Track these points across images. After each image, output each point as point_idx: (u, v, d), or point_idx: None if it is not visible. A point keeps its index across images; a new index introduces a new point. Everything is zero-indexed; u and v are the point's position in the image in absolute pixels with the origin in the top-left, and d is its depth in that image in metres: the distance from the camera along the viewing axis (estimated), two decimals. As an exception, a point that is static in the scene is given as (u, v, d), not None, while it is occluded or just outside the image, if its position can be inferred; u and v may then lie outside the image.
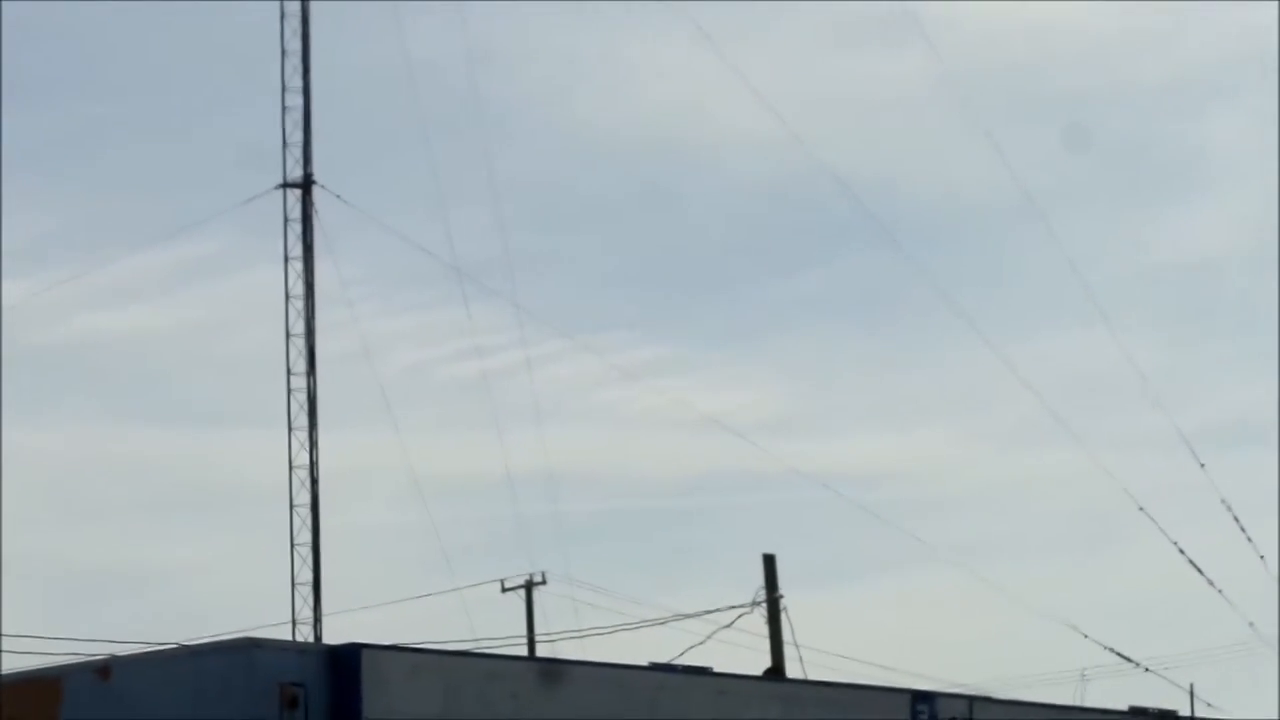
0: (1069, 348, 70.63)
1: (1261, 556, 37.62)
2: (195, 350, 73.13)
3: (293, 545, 31.37)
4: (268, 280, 34.22)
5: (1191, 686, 39.40)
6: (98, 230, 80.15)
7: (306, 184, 31.54)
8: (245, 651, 20.40)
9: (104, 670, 21.63)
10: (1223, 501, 35.63)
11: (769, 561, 45.24)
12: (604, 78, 79.78)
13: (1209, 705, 31.08)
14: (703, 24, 38.92)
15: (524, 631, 48.49)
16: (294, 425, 31.85)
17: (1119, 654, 37.81)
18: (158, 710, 20.41)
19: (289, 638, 25.77)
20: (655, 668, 24.17)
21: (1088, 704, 27.19)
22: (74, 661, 22.16)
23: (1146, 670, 39.45)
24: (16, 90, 76.98)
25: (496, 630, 47.84)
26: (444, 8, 52.17)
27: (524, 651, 43.34)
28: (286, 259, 31.50)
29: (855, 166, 75.00)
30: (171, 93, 78.73)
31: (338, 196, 32.17)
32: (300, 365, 32.19)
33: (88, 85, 78.33)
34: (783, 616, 44.99)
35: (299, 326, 32.24)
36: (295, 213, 32.30)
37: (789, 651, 44.33)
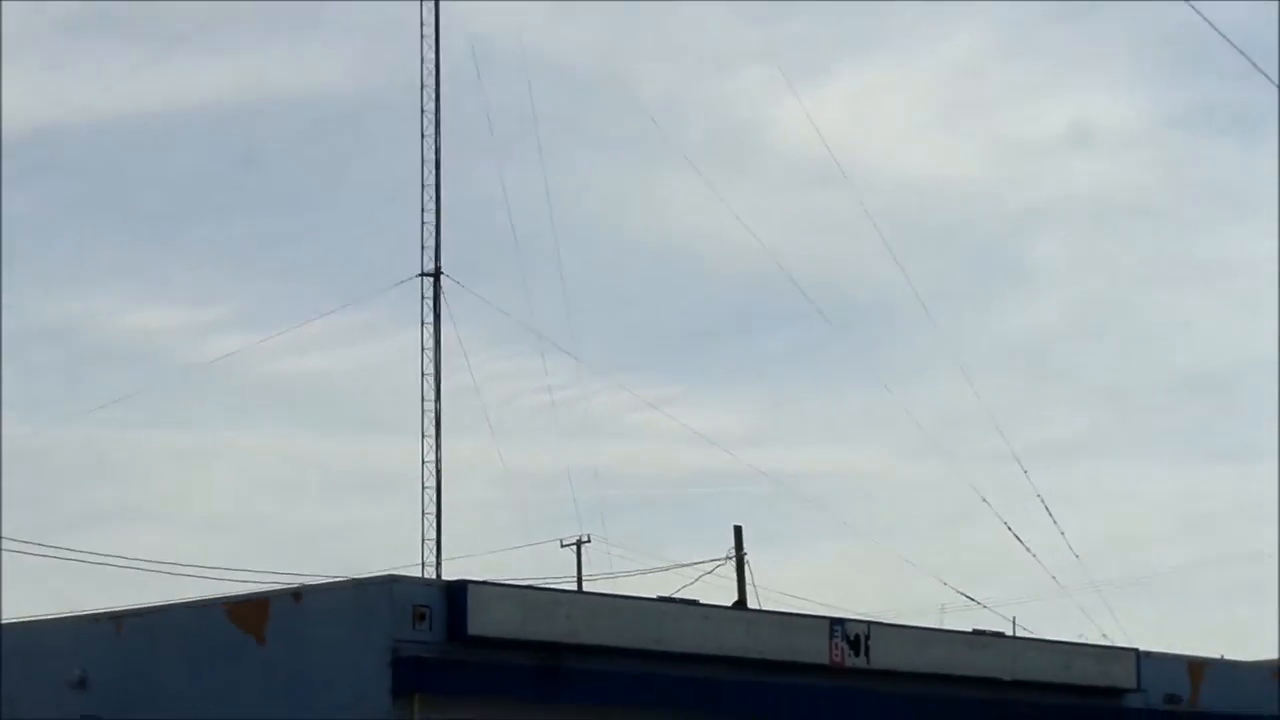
0: (941, 392, 73.42)
1: (1063, 533, 39.85)
2: (361, 385, 75.95)
3: (423, 514, 32.39)
4: (411, 338, 34.35)
5: (1014, 618, 41.21)
6: (294, 300, 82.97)
7: (436, 274, 32.43)
8: (390, 584, 21.58)
9: (297, 595, 22.82)
10: (1039, 497, 37.58)
11: (738, 531, 47.43)
12: (641, 204, 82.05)
13: (1025, 629, 32.10)
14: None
15: (575, 574, 49.88)
16: (426, 434, 32.87)
17: (967, 595, 39.97)
18: (333, 622, 21.47)
19: (419, 575, 26.09)
20: (661, 599, 25.25)
21: (946, 626, 28.23)
22: (277, 589, 23.56)
23: (984, 606, 41.72)
24: (246, 199, 79.12)
25: (558, 573, 50.29)
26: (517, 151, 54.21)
27: (574, 587, 44.94)
28: (422, 324, 32.52)
29: (809, 269, 77.90)
30: (347, 202, 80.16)
31: (458, 283, 33.44)
32: (431, 394, 33.16)
33: (289, 196, 79.93)
34: (746, 568, 47.43)
35: (430, 369, 33.26)
36: (430, 291, 33.11)
37: (750, 591, 46.93)
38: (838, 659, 24.61)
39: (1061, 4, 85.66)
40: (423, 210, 31.98)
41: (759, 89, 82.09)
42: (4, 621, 25.93)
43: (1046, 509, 36.29)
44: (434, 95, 31.14)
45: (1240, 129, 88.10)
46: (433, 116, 31.83)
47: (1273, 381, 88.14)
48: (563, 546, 51.76)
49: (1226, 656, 32.28)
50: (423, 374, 32.24)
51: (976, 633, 27.60)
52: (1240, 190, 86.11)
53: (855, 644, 24.75)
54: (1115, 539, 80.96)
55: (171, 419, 78.80)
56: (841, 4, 79.33)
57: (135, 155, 77.62)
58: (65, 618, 24.77)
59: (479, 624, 21.41)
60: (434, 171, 32.35)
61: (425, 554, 31.81)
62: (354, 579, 22.34)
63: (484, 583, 22.20)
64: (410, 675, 20.66)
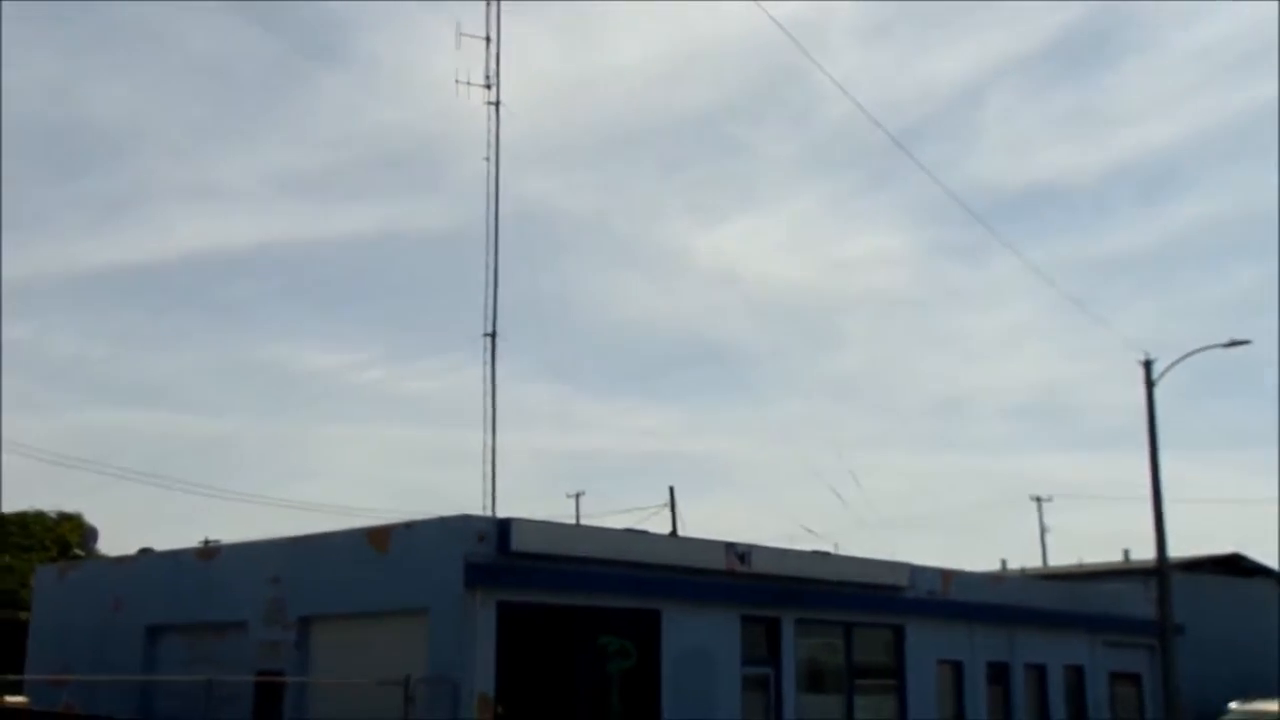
0: (790, 408, 74.89)
1: (864, 491, 41.34)
2: (450, 401, 78.52)
3: (484, 478, 29.90)
4: (477, 373, 35.54)
5: (836, 544, 42.33)
6: (415, 348, 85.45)
7: (493, 335, 30.55)
8: (464, 519, 21.44)
9: (409, 525, 22.40)
10: (850, 472, 39.03)
11: (671, 490, 48.92)
12: (611, 295, 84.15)
13: (843, 549, 32.03)
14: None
15: (575, 515, 52.46)
16: (487, 429, 30.41)
17: (809, 529, 41.52)
18: (428, 544, 21.35)
19: (482, 514, 23.68)
20: (626, 530, 25.24)
21: (798, 547, 27.42)
22: (397, 521, 22.80)
23: (819, 535, 43.37)
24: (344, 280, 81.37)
25: (565, 514, 51.85)
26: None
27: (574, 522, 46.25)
28: (484, 364, 30.61)
29: (713, 335, 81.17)
30: (451, 291, 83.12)
31: (506, 340, 31.23)
32: (490, 408, 30.62)
33: (417, 290, 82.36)
34: (677, 511, 48.88)
35: (489, 390, 30.57)
36: (489, 345, 30.46)
37: (680, 525, 48.23)
38: (731, 566, 24.72)
39: (865, 179, 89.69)
40: (486, 295, 30.81)
41: (683, 226, 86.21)
42: (236, 542, 25.84)
43: (853, 477, 38.19)
44: (494, 233, 31.34)
45: (965, 257, 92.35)
46: (493, 243, 30.28)
47: (993, 404, 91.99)
48: (567, 497, 55.03)
49: (963, 568, 32.62)
50: (485, 394, 30.92)
51: (814, 552, 27.75)
52: (968, 293, 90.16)
53: (742, 557, 24.90)
54: (895, 496, 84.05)
55: (339, 418, 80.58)
56: (734, 176, 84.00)
57: (314, 266, 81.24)
58: (267, 540, 24.67)
59: (518, 544, 21.51)
60: (494, 273, 31.00)
61: (485, 501, 30.16)
62: (441, 516, 21.94)
63: (521, 519, 22.07)
64: (475, 575, 20.72)
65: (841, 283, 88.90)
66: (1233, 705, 33.87)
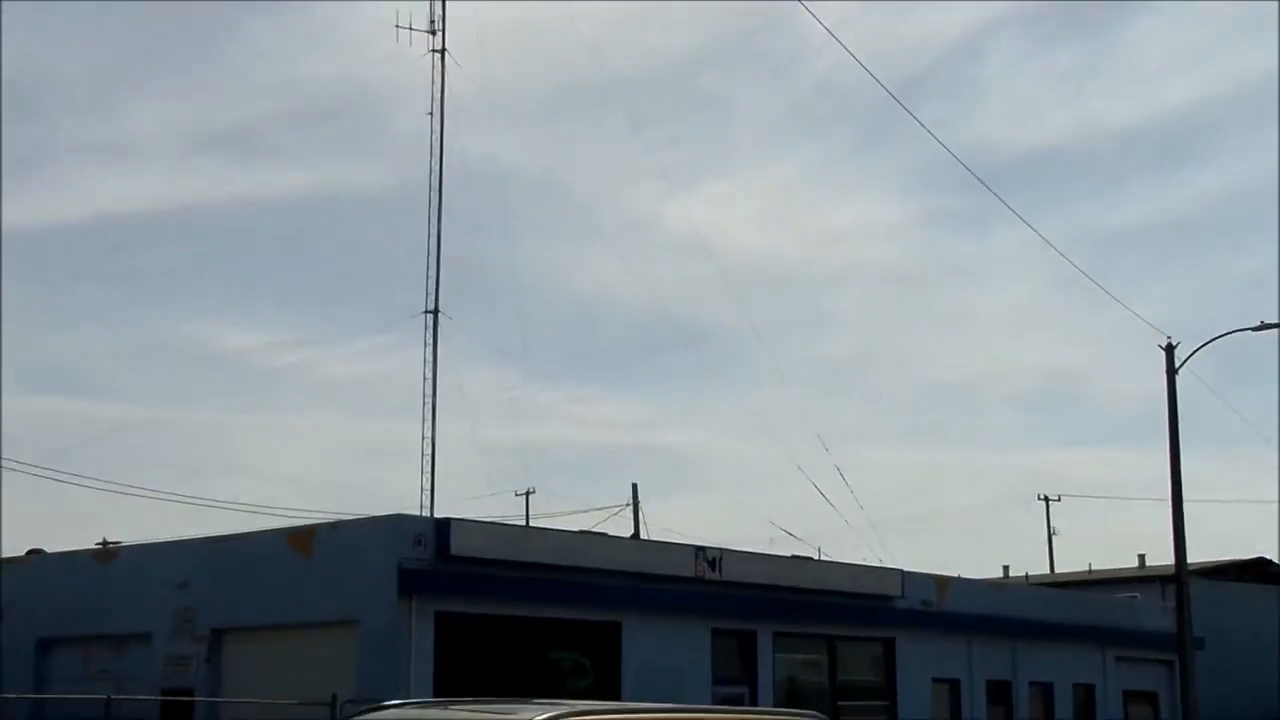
0: (769, 395, 75.51)
1: (851, 491, 41.25)
2: (384, 386, 78.01)
3: (422, 472, 32.29)
4: (417, 355, 34.10)
5: (819, 548, 42.34)
6: (340, 326, 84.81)
7: (435, 311, 32.13)
8: (399, 520, 21.64)
9: (334, 526, 22.92)
10: (836, 467, 38.95)
11: (634, 487, 49.06)
12: (574, 268, 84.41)
13: (826, 554, 32.30)
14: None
15: (524, 515, 52.29)
16: (425, 419, 32.62)
17: (788, 531, 41.19)
18: (358, 546, 21.40)
19: (418, 514, 25.34)
20: (582, 532, 25.69)
21: (774, 552, 27.94)
22: (323, 521, 23.56)
23: (799, 539, 43.27)
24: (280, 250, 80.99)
25: (513, 514, 51.55)
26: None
27: (524, 523, 45.75)
28: (425, 344, 32.08)
29: (684, 312, 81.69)
30: (382, 262, 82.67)
31: (449, 317, 33.17)
32: (429, 392, 33.03)
33: (344, 259, 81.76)
34: (640, 512, 48.89)
35: (429, 375, 33.09)
36: (430, 323, 32.99)
37: (643, 528, 48.26)
38: (700, 573, 24.73)
39: (854, 141, 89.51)
40: (427, 267, 31.70)
41: (652, 193, 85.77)
42: (140, 543, 25.78)
43: (840, 474, 37.64)
44: (438, 192, 31.26)
45: (966, 227, 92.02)
46: (436, 209, 31.73)
47: (984, 392, 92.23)
48: (516, 496, 54.01)
49: (961, 575, 32.90)
50: (424, 378, 31.79)
51: (794, 557, 27.80)
52: (970, 269, 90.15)
53: (712, 563, 24.93)
54: (884, 496, 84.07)
55: (259, 405, 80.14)
56: (707, 136, 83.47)
57: (235, 232, 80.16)
58: (175, 541, 24.67)
59: (458, 547, 21.47)
60: (436, 242, 32.05)
61: (423, 500, 31.76)
62: (374, 516, 22.09)
63: (462, 519, 22.16)
64: (410, 582, 20.71)
65: (829, 256, 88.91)
66: None
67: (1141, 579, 40.89)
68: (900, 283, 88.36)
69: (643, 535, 42.43)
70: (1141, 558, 47.12)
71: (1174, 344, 31.37)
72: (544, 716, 7.45)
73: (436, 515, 22.31)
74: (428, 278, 31.89)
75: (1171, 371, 31.64)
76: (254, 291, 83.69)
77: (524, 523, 46.51)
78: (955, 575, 31.11)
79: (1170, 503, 31.35)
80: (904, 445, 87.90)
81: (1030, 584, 43.87)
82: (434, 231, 32.14)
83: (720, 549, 25.02)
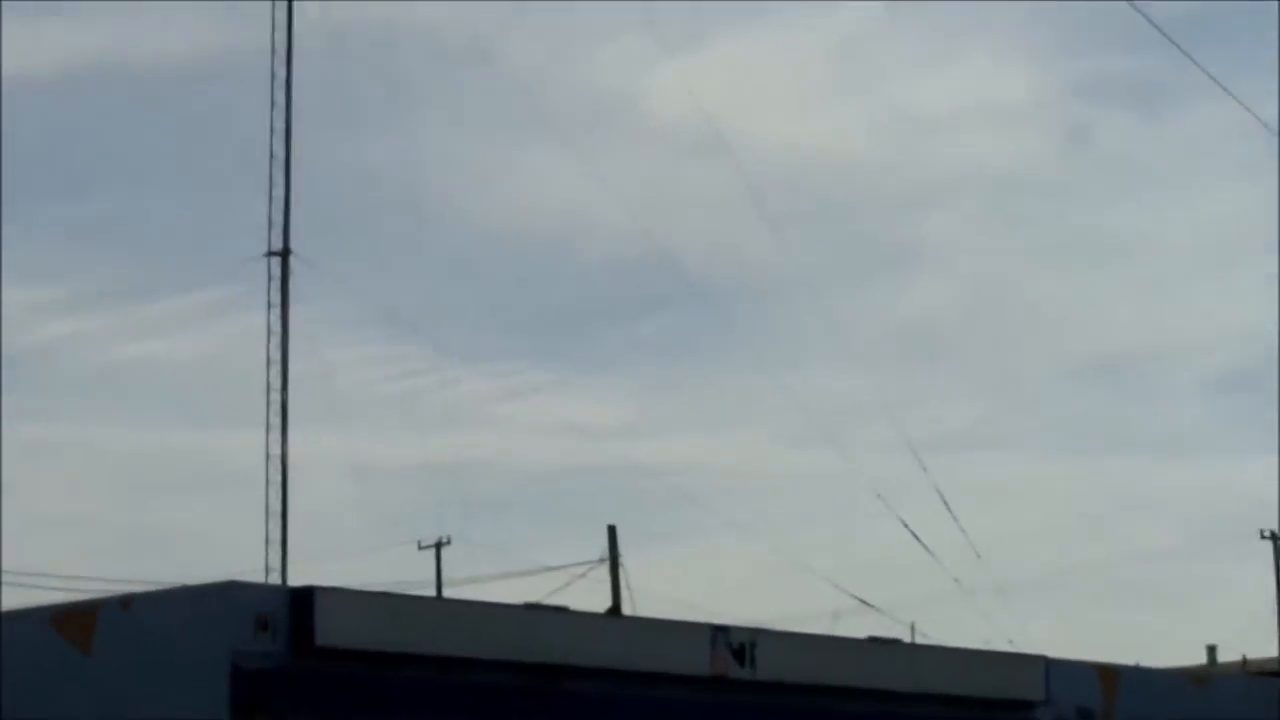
0: (828, 378, 70.87)
1: (963, 530, 38.20)
2: (202, 373, 72.24)
3: (267, 513, 30.80)
4: (257, 322, 32.89)
5: (912, 624, 39.71)
6: (132, 282, 79.50)
7: (285, 253, 30.41)
8: (229, 590, 20.15)
9: (126, 602, 21.25)
10: (937, 490, 36.19)
11: (611, 531, 45.95)
12: (508, 180, 79.38)
13: (924, 635, 31.40)
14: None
15: (434, 579, 48.39)
16: (271, 426, 31.17)
17: (860, 599, 38.32)
18: (166, 632, 19.92)
19: (263, 581, 25.31)
20: (528, 606, 23.95)
21: (838, 633, 27.03)
22: (104, 595, 21.94)
23: (879, 610, 39.98)
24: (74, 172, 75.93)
25: (416, 578, 47.95)
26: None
27: (434, 593, 44.66)
28: (269, 306, 30.82)
29: (687, 247, 74.96)
30: (190, 176, 77.18)
31: (308, 263, 31.53)
32: (278, 382, 31.45)
33: (127, 170, 77.02)
34: (621, 571, 45.44)
35: (277, 354, 31.66)
36: (277, 271, 31.42)
37: (625, 596, 44.95)
38: (721, 669, 23.38)
39: None
40: (270, 185, 30.23)
41: (633, 57, 78.15)
42: None
43: (945, 504, 35.68)
44: (285, 61, 29.95)
45: (1139, 100, 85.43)
46: (284, 84, 29.87)
47: (1172, 368, 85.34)
48: (421, 549, 50.40)
49: (1140, 663, 31.39)
50: (269, 361, 30.60)
51: (872, 640, 26.56)
52: (1139, 170, 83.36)
53: (740, 653, 23.52)
54: (1015, 537, 77.94)
55: (14, 405, 75.55)
56: None
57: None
58: None
59: (327, 633, 20.01)
60: (284, 143, 30.44)
61: (269, 557, 30.69)
62: (190, 585, 21.16)
63: (333, 589, 20.79)
64: (251, 689, 19.35)
65: (916, 154, 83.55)
66: None
67: None
68: (1029, 194, 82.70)
69: (626, 608, 40.39)
70: None
71: None
72: None
73: (291, 583, 22.23)
74: (271, 201, 30.74)
75: None
76: (8, 221, 79.05)
77: (434, 591, 44.21)
78: (1130, 663, 30.10)
79: None
80: (1043, 455, 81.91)
81: (1250, 674, 41.90)
82: (280, 126, 30.74)
83: (752, 628, 23.93)
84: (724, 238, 79.88)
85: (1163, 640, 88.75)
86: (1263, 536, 57.59)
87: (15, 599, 32.75)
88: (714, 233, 77.93)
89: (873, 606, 40.67)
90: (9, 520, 69.87)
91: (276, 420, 31.42)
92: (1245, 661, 47.64)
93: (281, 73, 30.11)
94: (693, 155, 65.64)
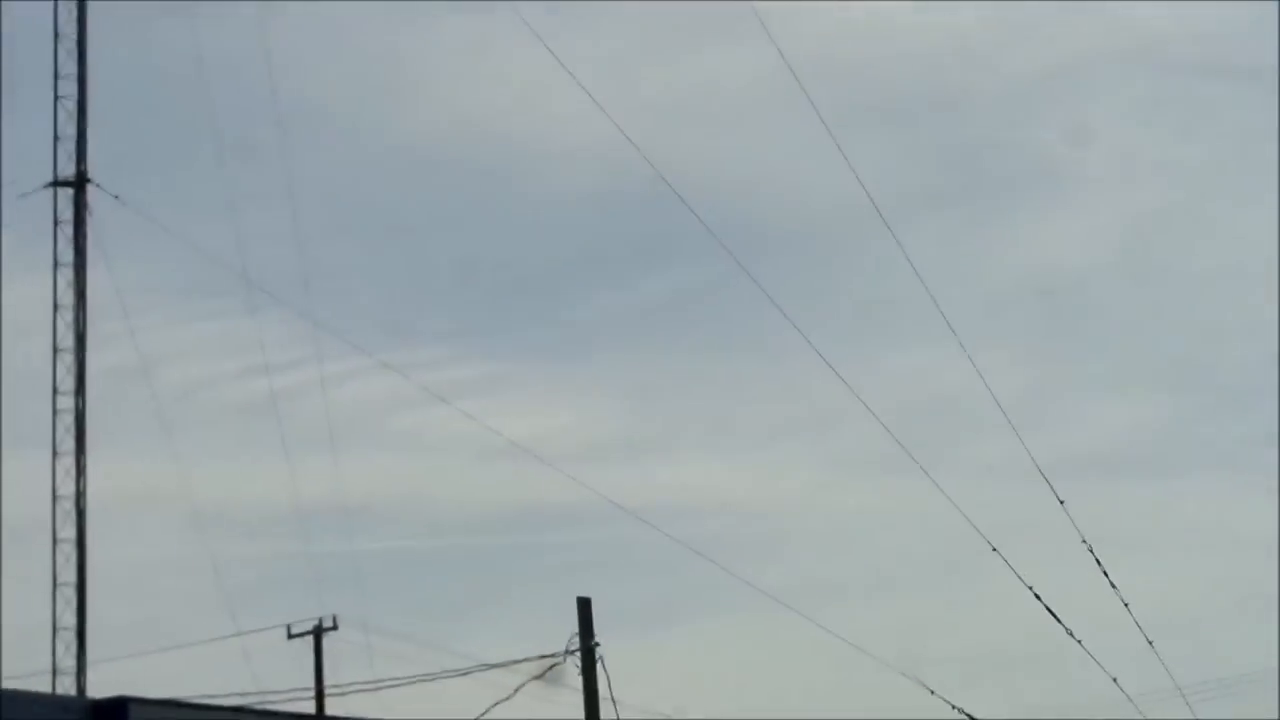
0: (918, 369, 64.79)
1: (1126, 605, 33.21)
2: None
3: (55, 585, 29.32)
4: (35, 288, 30.83)
5: None
6: None
7: (80, 182, 29.65)
8: (11, 703, 19.61)
9: None
10: (1084, 542, 31.85)
11: (584, 605, 39.57)
12: (417, 80, 74.35)
13: None
14: (529, 22, 35.20)
15: (312, 683, 45.16)
16: (59, 450, 29.75)
17: (967, 714, 33.09)
18: None
19: (48, 689, 24.55)
20: None
21: None
22: None
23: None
24: None
25: (281, 681, 41.95)
26: (242, 6, 46.91)
27: (311, 705, 40.22)
28: (56, 265, 29.49)
29: (693, 173, 68.66)
30: None
31: (115, 197, 30.19)
32: (68, 383, 29.88)
33: None
34: (599, 666, 40.14)
35: (68, 340, 29.93)
36: (67, 214, 30.46)
37: (605, 706, 39.52)
38: None
39: None
40: (56, 79, 30.01)
41: None
42: None
43: (1099, 563, 29.85)
44: None
45: None
46: None
47: None
48: (290, 637, 46.75)
49: None
50: (55, 348, 28.36)
51: None
52: None
53: None
54: (1201, 613, 69.62)
55: None
56: None
57: None
58: None
59: None
60: (74, 19, 30.67)
61: (59, 653, 29.23)
62: None
63: (157, 701, 21.05)
64: None
65: (1042, 32, 77.42)
66: None
67: None
68: (1218, 83, 77.55)
69: (608, 716, 36.49)
70: None
71: None
72: None
73: (93, 692, 22.45)
74: (56, 105, 30.19)
75: None
76: None
77: (314, 702, 40.29)
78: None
79: None
80: (1231, 482, 75.87)
81: None
82: (70, 31, 30.74)
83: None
84: (753, 157, 73.49)
85: None
86: None
87: None
88: (739, 150, 71.88)
89: (961, 713, 35.24)
90: None
91: (68, 439, 29.68)
92: None
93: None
94: (708, 31, 60.20)
